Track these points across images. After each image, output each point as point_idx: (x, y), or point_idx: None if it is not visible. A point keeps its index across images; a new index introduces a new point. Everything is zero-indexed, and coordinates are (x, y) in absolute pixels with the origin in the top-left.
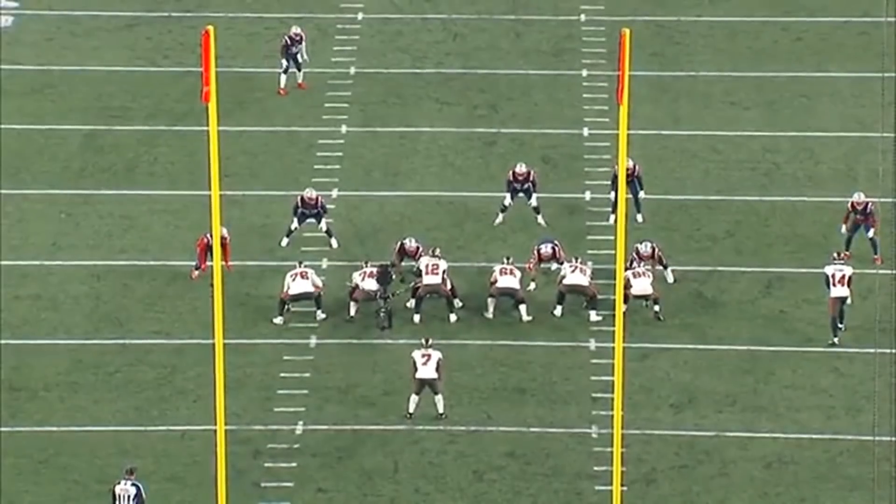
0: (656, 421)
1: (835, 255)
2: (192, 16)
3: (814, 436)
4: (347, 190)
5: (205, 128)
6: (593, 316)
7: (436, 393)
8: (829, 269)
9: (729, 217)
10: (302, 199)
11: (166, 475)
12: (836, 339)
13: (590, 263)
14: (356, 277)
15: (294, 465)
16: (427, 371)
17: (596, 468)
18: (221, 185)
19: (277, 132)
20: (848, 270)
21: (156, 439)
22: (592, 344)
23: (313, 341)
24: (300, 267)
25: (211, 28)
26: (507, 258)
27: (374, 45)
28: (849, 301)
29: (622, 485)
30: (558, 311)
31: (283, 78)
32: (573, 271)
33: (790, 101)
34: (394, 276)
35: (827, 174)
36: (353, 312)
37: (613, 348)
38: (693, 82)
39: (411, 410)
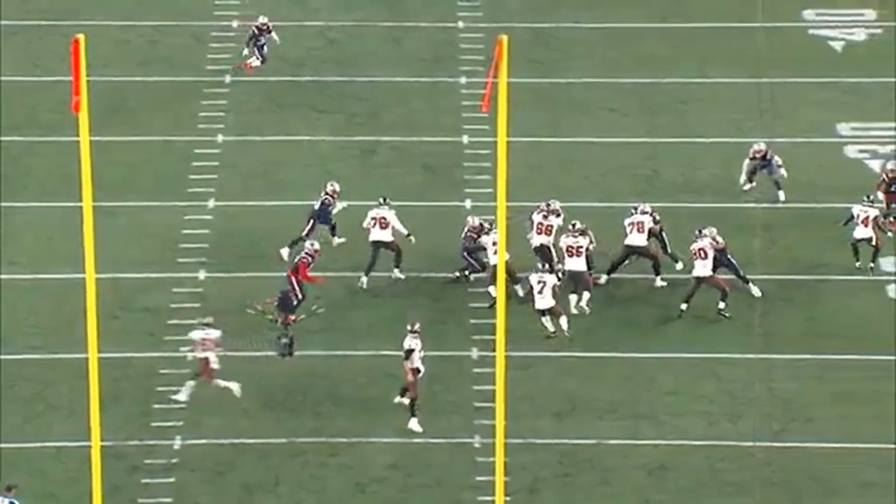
0: (539, 430)
1: (864, 197)
2: (62, 24)
3: (695, 442)
4: (224, 200)
5: (77, 138)
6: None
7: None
8: (855, 209)
9: (610, 224)
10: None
11: (41, 493)
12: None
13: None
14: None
15: (172, 480)
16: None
17: (479, 478)
18: (95, 197)
19: (152, 142)
20: (872, 212)
21: (30, 456)
22: (475, 353)
23: (189, 354)
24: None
25: (81, 36)
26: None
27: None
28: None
29: (505, 495)
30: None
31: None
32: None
33: (669, 108)
34: (296, 302)
35: (706, 180)
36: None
37: (495, 357)
38: (572, 89)
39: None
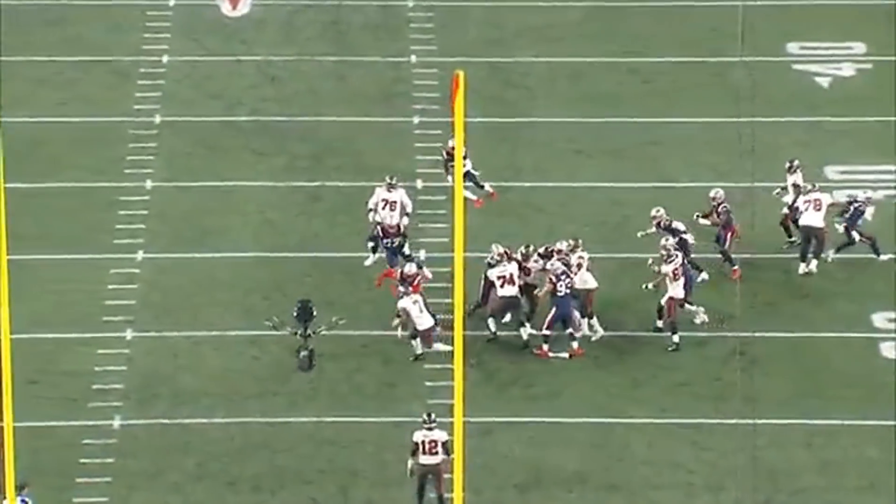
0: None
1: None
2: None
3: None
4: (154, 252)
5: None
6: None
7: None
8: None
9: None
10: (382, 228)
11: None
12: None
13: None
14: None
15: None
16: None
17: None
18: (9, 249)
19: (73, 188)
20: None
21: None
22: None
23: (117, 422)
24: None
25: None
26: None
27: (182, 90)
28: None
29: None
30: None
31: None
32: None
33: (638, 149)
34: (314, 312)
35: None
36: None
37: (453, 423)
38: (534, 129)
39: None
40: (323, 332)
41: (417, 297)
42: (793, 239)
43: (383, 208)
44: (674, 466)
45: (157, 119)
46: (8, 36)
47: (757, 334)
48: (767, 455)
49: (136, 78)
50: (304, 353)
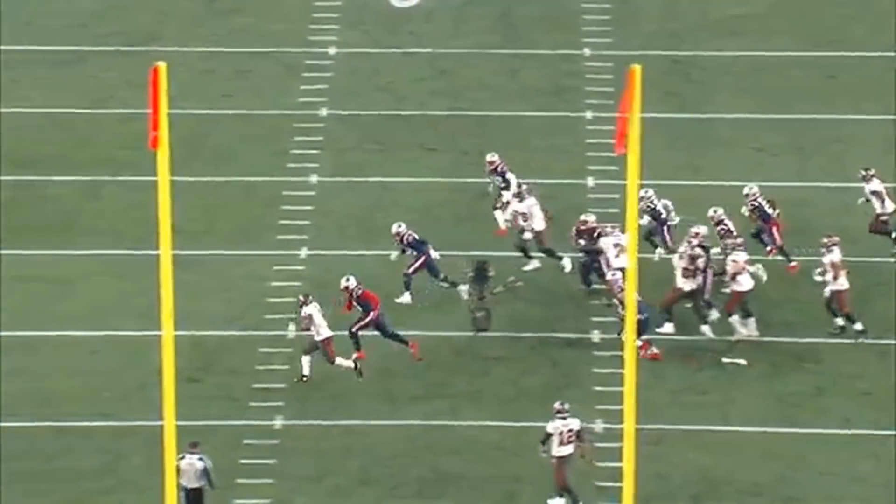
0: None
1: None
2: (139, 50)
3: None
4: (317, 248)
5: (153, 178)
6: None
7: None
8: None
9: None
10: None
11: None
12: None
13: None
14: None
15: None
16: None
17: None
18: (173, 243)
19: (236, 182)
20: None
21: None
22: (599, 425)
23: (279, 422)
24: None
25: (161, 64)
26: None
27: (349, 83)
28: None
29: None
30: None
31: None
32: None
33: (823, 147)
34: (491, 273)
35: (865, 230)
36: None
37: (623, 430)
38: (712, 125)
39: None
40: (499, 291)
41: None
42: None
43: (523, 220)
44: (854, 480)
45: (324, 112)
46: (177, 27)
47: None
48: None
49: (302, 70)
50: (480, 313)
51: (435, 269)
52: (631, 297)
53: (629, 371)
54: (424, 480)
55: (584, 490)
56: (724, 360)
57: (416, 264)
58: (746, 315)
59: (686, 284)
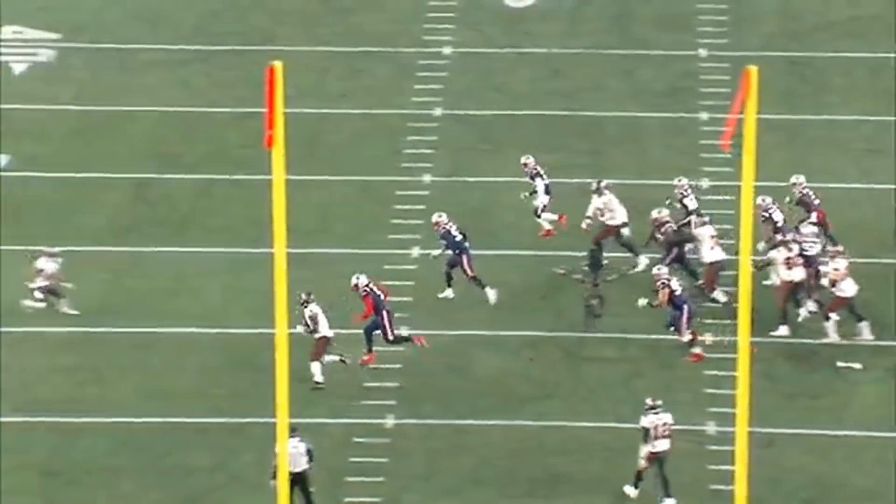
0: None
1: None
2: (256, 49)
3: None
4: (429, 248)
5: (268, 176)
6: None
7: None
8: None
9: (868, 284)
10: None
11: None
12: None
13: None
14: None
15: None
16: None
17: None
18: (287, 242)
19: (351, 182)
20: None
21: None
22: (711, 427)
23: (390, 421)
24: None
25: (278, 64)
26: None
27: (463, 83)
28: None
29: None
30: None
31: None
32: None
33: None
34: (604, 262)
35: None
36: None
37: (735, 433)
38: (829, 127)
39: None
40: (613, 279)
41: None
42: None
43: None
44: None
45: (438, 112)
46: (293, 27)
47: None
48: None
49: (417, 70)
50: (595, 300)
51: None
52: (745, 295)
53: (742, 373)
54: (535, 481)
55: (696, 493)
56: (839, 364)
57: (461, 261)
58: (859, 319)
59: (792, 275)
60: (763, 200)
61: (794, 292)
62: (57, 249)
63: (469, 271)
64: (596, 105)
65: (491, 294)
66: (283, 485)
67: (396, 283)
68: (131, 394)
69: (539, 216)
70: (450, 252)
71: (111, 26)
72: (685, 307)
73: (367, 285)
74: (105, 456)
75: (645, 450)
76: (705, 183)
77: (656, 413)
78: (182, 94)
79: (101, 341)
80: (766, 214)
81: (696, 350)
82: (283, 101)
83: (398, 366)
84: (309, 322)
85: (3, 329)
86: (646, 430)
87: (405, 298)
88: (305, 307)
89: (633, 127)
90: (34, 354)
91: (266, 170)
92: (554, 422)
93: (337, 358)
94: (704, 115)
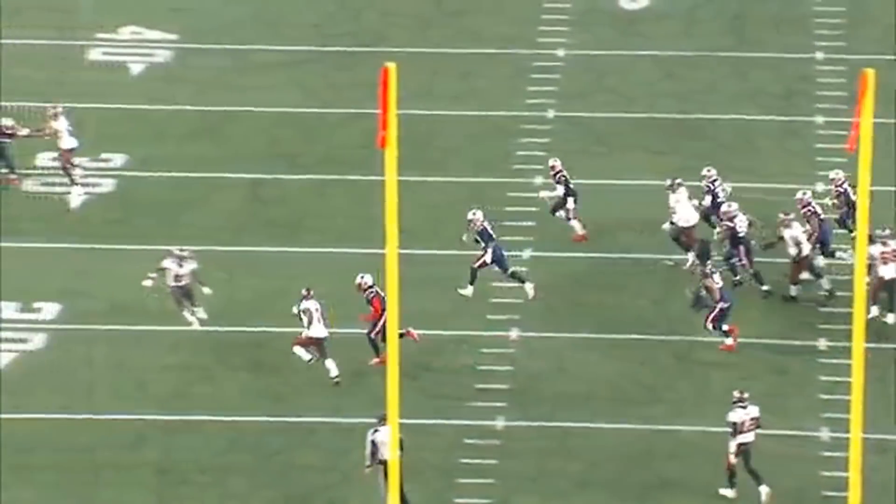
0: None
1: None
2: (369, 51)
3: None
4: (542, 250)
5: (381, 177)
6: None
7: None
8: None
9: None
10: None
11: None
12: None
13: None
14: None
15: None
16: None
17: None
18: (399, 243)
19: (463, 183)
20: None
21: None
22: (825, 433)
23: (500, 423)
24: None
25: (391, 65)
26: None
27: (576, 85)
28: None
29: None
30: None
31: None
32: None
33: None
34: (712, 252)
35: None
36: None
37: (849, 439)
38: None
39: None
40: (712, 271)
41: (317, 303)
42: None
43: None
44: None
45: (551, 114)
46: (406, 29)
47: None
48: None
49: (530, 72)
50: (704, 291)
51: (504, 264)
52: (860, 299)
53: (856, 379)
54: (645, 485)
55: (809, 499)
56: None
57: (484, 258)
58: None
59: (886, 271)
60: (804, 194)
61: (887, 289)
62: (186, 252)
63: (476, 265)
64: (710, 107)
65: (529, 289)
66: (393, 486)
67: (508, 284)
68: (247, 393)
69: (567, 217)
70: (488, 250)
71: (228, 27)
72: (724, 302)
73: (371, 286)
74: (217, 455)
75: (733, 444)
76: (819, 187)
77: (744, 407)
78: (297, 95)
79: (214, 340)
80: (810, 208)
81: (730, 342)
82: (395, 103)
83: (509, 368)
84: (302, 316)
85: (120, 327)
86: (734, 425)
87: (516, 301)
88: (302, 300)
89: (748, 130)
90: (149, 353)
91: (378, 171)
92: (664, 426)
93: (307, 357)
94: (820, 119)
